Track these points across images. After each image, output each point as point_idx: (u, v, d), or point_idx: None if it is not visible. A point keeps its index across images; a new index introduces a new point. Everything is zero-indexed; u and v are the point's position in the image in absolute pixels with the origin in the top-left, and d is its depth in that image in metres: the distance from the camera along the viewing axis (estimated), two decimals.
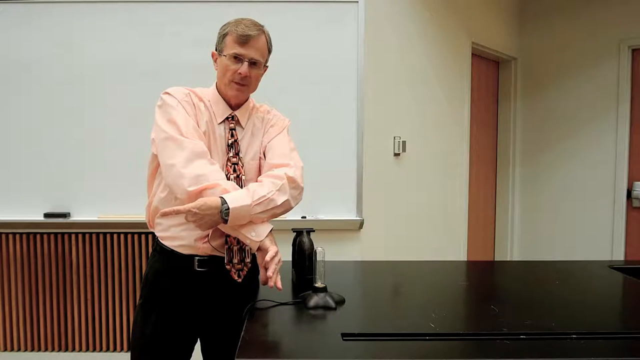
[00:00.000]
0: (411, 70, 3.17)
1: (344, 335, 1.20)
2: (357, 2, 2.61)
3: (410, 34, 3.14)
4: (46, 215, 2.59)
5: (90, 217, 2.61)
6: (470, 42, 3.63)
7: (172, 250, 1.49)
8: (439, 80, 3.40)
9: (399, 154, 3.06)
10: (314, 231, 1.70)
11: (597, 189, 3.79)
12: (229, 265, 1.49)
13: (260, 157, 1.57)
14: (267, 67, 1.55)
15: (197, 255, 1.48)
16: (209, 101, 1.51)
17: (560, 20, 3.95)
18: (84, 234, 2.67)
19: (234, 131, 1.51)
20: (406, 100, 3.15)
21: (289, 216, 2.57)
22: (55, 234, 2.67)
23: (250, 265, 1.53)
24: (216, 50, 1.52)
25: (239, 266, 1.50)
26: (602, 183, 3.77)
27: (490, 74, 4.13)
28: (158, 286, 1.51)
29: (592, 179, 3.82)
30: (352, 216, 2.70)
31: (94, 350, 2.73)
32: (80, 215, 2.61)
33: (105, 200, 2.59)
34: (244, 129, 1.54)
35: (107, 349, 2.73)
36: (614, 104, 3.71)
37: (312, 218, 2.65)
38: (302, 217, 2.65)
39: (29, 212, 2.59)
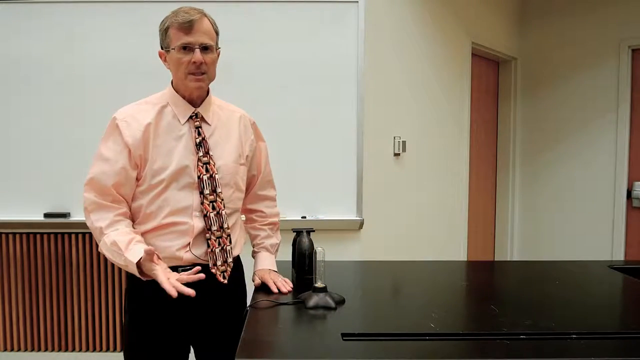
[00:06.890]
0: (411, 70, 3.17)
1: (344, 335, 1.20)
2: (357, 2, 2.61)
3: (410, 34, 3.14)
4: (46, 215, 2.59)
5: None
6: (470, 42, 3.63)
7: None
8: (439, 80, 3.40)
9: (399, 154, 3.06)
10: (314, 231, 1.70)
11: (597, 189, 3.79)
12: (214, 268, 1.47)
13: (242, 164, 1.55)
14: (219, 49, 1.49)
15: (179, 266, 1.43)
16: (168, 103, 1.47)
17: (560, 20, 3.95)
18: (84, 234, 2.67)
19: (200, 129, 1.47)
20: (406, 100, 3.15)
21: (289, 216, 2.60)
22: (55, 234, 2.66)
23: (232, 264, 1.53)
24: (162, 48, 1.45)
25: (223, 267, 1.50)
26: (602, 183, 3.77)
27: (490, 74, 4.13)
28: (143, 301, 1.47)
29: (592, 179, 3.82)
30: (352, 216, 2.70)
31: (94, 350, 2.73)
32: (80, 215, 2.57)
33: None
34: (210, 125, 1.50)
35: (107, 349, 2.73)
36: (614, 104, 3.70)
37: (312, 218, 2.65)
38: (302, 217, 2.65)
39: (29, 212, 2.59)
